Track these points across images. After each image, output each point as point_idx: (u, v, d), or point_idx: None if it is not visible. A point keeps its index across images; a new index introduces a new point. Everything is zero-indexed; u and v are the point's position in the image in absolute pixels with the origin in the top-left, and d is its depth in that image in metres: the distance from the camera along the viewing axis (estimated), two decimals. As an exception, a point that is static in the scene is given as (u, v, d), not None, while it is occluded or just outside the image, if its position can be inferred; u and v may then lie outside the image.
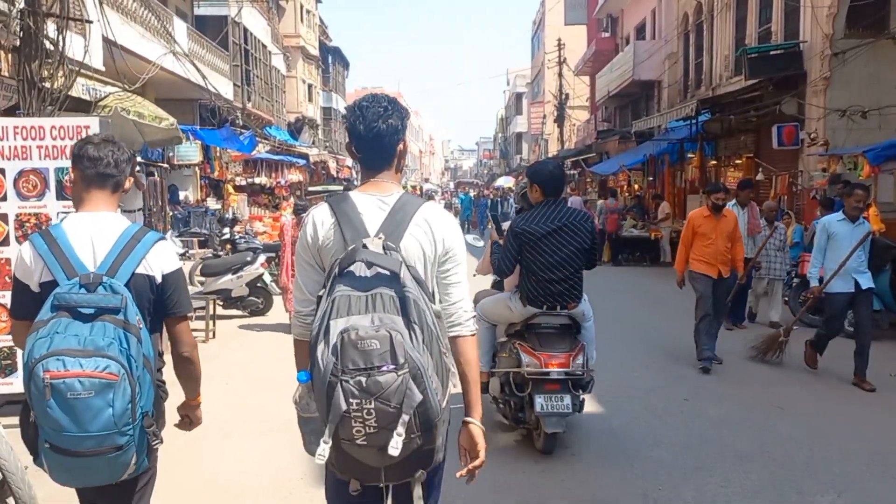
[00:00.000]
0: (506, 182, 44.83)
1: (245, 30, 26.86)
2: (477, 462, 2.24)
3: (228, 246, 11.92)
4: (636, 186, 19.87)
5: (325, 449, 1.93)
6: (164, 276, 2.40)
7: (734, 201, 8.77)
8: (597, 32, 31.33)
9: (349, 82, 60.47)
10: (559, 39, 33.01)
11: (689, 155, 17.16)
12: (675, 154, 18.55)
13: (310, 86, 41.29)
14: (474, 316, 2.32)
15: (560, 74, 33.30)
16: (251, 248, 11.99)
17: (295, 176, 26.59)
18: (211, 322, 8.49)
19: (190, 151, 14.55)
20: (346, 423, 1.89)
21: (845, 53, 13.08)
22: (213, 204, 22.40)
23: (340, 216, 2.19)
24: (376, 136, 2.22)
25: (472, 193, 25.98)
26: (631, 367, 7.06)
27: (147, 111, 9.67)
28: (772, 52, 14.40)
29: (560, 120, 33.07)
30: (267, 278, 9.93)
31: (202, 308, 8.29)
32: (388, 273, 1.99)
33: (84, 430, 2.09)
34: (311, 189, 21.61)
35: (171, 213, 15.00)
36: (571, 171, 31.81)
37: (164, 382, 2.51)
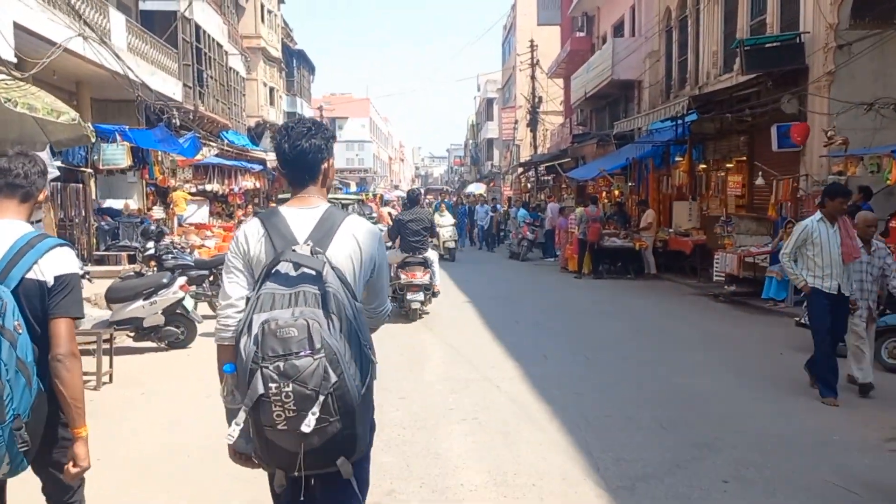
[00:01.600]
0: (477, 189, 43.56)
1: (197, 27, 24.99)
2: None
3: (152, 263, 10.19)
4: (617, 192, 18.48)
5: (234, 430, 2.07)
6: (54, 278, 2.41)
7: (818, 216, 6.26)
8: (571, 32, 30.01)
9: (315, 88, 58.76)
10: (532, 41, 31.69)
11: (677, 158, 15.78)
12: (660, 158, 17.18)
13: (272, 89, 39.41)
14: (389, 314, 2.65)
15: (533, 77, 31.96)
16: (180, 264, 10.26)
17: (250, 182, 24.73)
18: (107, 361, 6.73)
19: (117, 154, 12.76)
20: (266, 408, 2.02)
21: (851, 46, 11.76)
22: (158, 213, 20.56)
23: (270, 228, 2.33)
24: (300, 153, 2.38)
25: (451, 200, 24.80)
26: (637, 427, 5.44)
27: (41, 104, 7.90)
28: (767, 45, 13.02)
29: (533, 124, 31.71)
30: (189, 304, 8.20)
31: (92, 342, 6.52)
32: (312, 272, 2.14)
33: None
34: (281, 196, 20.58)
35: (95, 225, 13.17)
36: (545, 177, 30.41)
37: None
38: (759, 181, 12.61)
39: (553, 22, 31.70)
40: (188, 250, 12.91)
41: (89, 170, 12.99)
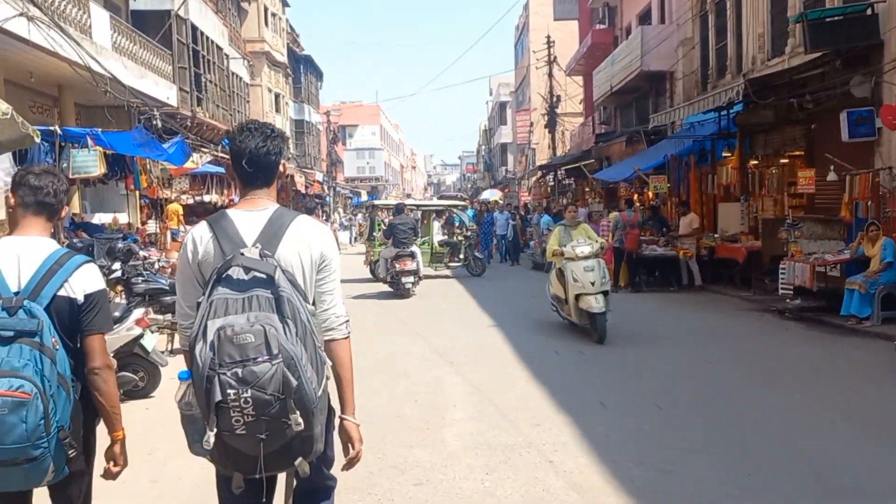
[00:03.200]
0: (492, 195, 41.92)
1: (193, 27, 23.49)
2: (353, 454, 2.45)
3: (119, 288, 8.56)
4: (651, 194, 16.67)
5: (210, 436, 2.06)
6: (85, 296, 2.48)
7: None
8: (590, 26, 28.29)
9: (324, 95, 57.32)
10: (548, 36, 29.99)
11: (725, 154, 13.99)
12: (702, 154, 15.39)
13: (277, 95, 37.94)
14: (347, 321, 2.50)
15: (550, 75, 30.22)
16: (152, 289, 8.63)
17: (251, 192, 23.12)
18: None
19: (88, 161, 11.12)
20: (224, 413, 2.03)
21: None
22: (152, 228, 18.99)
23: (218, 231, 2.33)
24: (266, 154, 2.40)
25: (474, 208, 23.15)
26: None
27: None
28: (828, 19, 11.24)
29: (551, 125, 29.95)
30: (149, 342, 6.53)
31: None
32: (264, 276, 2.15)
33: None
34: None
35: (66, 242, 11.55)
36: (567, 181, 28.66)
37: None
38: (831, 176, 10.79)
39: (571, 16, 30.00)
40: (169, 270, 11.29)
41: (56, 169, 11.37)
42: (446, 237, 18.56)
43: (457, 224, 19.12)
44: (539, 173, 29.75)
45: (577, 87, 31.16)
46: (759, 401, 6.01)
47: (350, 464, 2.46)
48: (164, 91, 20.05)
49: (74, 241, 11.74)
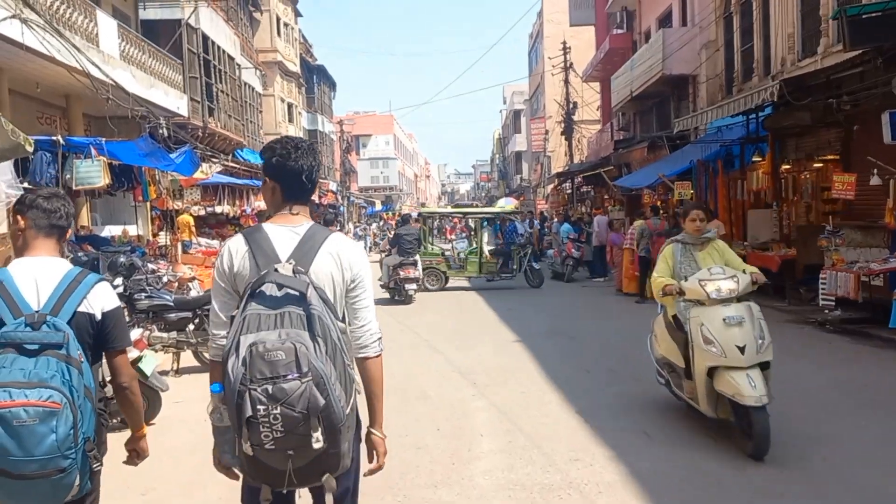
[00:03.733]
0: (507, 203, 41.42)
1: (204, 37, 23.17)
2: (375, 465, 2.53)
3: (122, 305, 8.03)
4: (673, 201, 16.04)
5: (246, 447, 2.11)
6: (103, 314, 2.57)
7: None
8: (607, 32, 27.76)
9: (337, 105, 57.09)
10: (564, 42, 29.47)
11: (755, 158, 13.37)
12: (728, 159, 14.76)
13: (290, 105, 37.66)
14: (380, 338, 2.51)
15: (566, 81, 29.68)
16: (156, 305, 8.16)
17: (262, 202, 22.71)
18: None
19: (92, 172, 10.68)
20: (254, 428, 2.07)
21: None
22: (164, 239, 18.59)
23: (253, 245, 2.37)
24: (311, 171, 2.46)
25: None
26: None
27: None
28: (865, 16, 10.63)
29: (568, 132, 29.37)
30: (148, 364, 6.01)
31: None
32: (296, 293, 2.18)
33: (29, 455, 2.26)
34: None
35: (69, 256, 11.13)
36: (585, 188, 28.07)
37: (105, 410, 2.67)
38: (874, 181, 10.16)
39: (587, 22, 29.47)
40: (176, 285, 10.83)
41: (61, 192, 10.95)
42: (497, 246, 17.44)
43: (517, 232, 17.81)
44: (556, 181, 29.13)
45: (594, 93, 30.62)
46: (824, 426, 5.41)
47: (372, 472, 2.54)
48: (175, 101, 19.70)
49: (79, 255, 11.32)
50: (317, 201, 34.86)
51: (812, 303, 11.55)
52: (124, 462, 2.75)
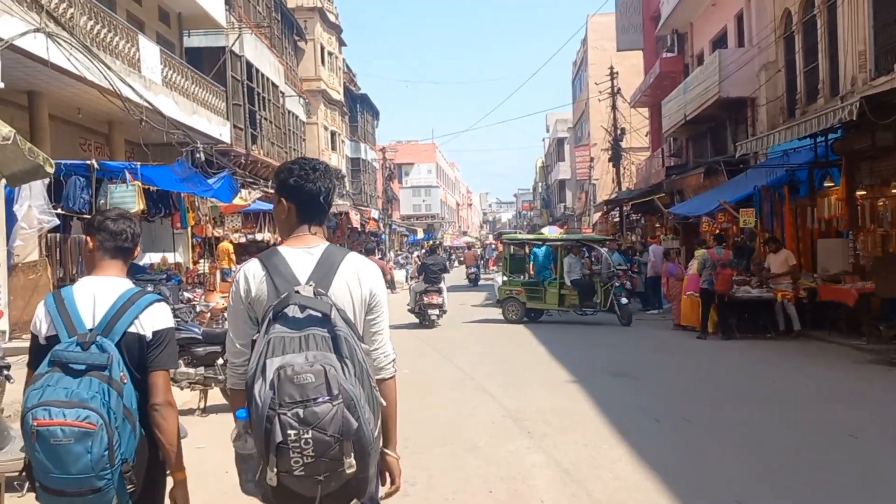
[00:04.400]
0: (551, 232, 40.60)
1: (248, 64, 23.09)
2: (392, 488, 2.46)
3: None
4: (734, 229, 15.07)
5: (272, 476, 2.03)
6: (153, 333, 2.57)
7: None
8: (656, 56, 27.00)
9: (380, 133, 57.18)
10: (611, 67, 28.77)
11: (828, 184, 12.41)
12: (792, 184, 13.79)
13: (333, 133, 37.61)
14: (394, 359, 2.49)
15: (613, 107, 28.91)
16: (183, 338, 7.59)
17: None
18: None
19: (126, 197, 10.30)
20: (284, 454, 2.00)
21: None
22: (203, 267, 18.24)
23: (271, 269, 2.32)
24: (317, 193, 2.40)
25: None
26: None
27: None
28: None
29: (615, 159, 28.52)
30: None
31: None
32: (319, 315, 2.13)
33: (66, 472, 2.30)
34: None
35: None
36: (634, 216, 27.13)
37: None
38: (971, 207, 9.17)
39: (635, 46, 28.74)
40: (208, 316, 10.32)
41: (91, 216, 10.58)
42: (583, 277, 15.67)
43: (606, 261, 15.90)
44: (604, 209, 28.24)
45: (642, 119, 29.78)
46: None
47: (389, 495, 2.47)
48: (218, 128, 19.52)
49: (60, 289, 10.91)
50: (358, 229, 34.50)
51: (895, 341, 10.56)
52: None
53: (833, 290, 11.91)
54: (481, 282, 29.96)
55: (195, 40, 21.70)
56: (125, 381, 2.43)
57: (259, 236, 19.86)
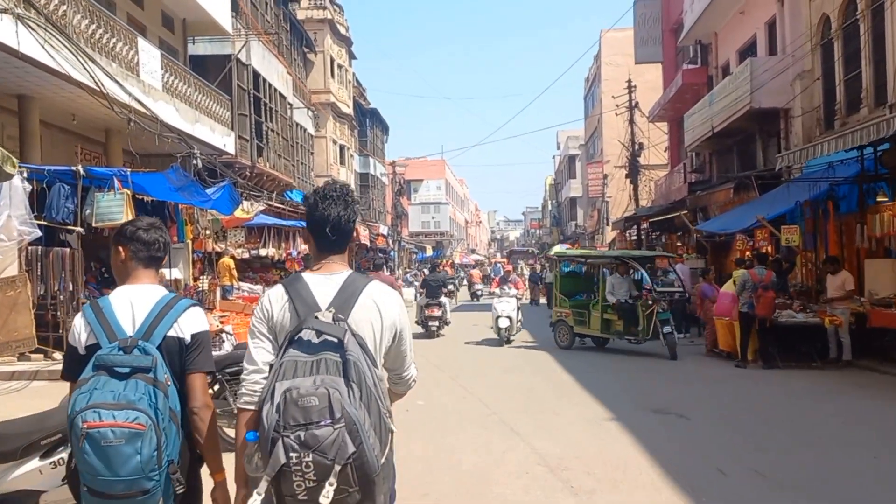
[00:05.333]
0: (562, 249, 39.73)
1: (255, 74, 22.30)
2: None
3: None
4: (768, 249, 14.02)
5: (256, 500, 2.03)
6: (191, 336, 2.62)
7: None
8: (675, 69, 26.11)
9: (389, 149, 56.43)
10: (629, 81, 27.87)
11: (880, 199, 11.39)
12: (833, 198, 12.75)
13: (342, 147, 36.80)
14: (415, 380, 2.62)
15: (631, 121, 27.98)
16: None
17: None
18: None
19: (113, 207, 9.38)
20: (287, 477, 2.01)
21: None
22: (204, 284, 17.30)
23: (293, 294, 2.35)
24: (346, 223, 2.43)
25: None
26: None
27: None
28: None
29: (633, 174, 27.53)
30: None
31: None
32: (334, 340, 2.15)
33: (115, 475, 2.30)
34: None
35: (84, 302, 9.74)
36: (655, 234, 26.12)
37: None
38: None
39: (654, 59, 27.86)
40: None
41: (79, 228, 9.62)
42: (627, 300, 13.48)
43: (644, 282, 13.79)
44: (622, 225, 27.23)
45: (660, 134, 28.84)
46: None
47: None
48: (221, 138, 18.65)
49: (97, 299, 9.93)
50: (367, 245, 33.56)
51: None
52: None
53: (882, 315, 10.86)
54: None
55: (200, 48, 20.93)
56: (169, 383, 2.47)
57: (263, 252, 18.91)
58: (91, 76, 9.66)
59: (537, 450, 6.34)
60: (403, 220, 57.42)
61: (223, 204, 11.73)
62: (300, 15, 32.34)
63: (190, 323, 2.63)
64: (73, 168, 9.60)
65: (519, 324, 15.76)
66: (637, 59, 28.20)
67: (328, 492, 1.97)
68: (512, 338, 15.13)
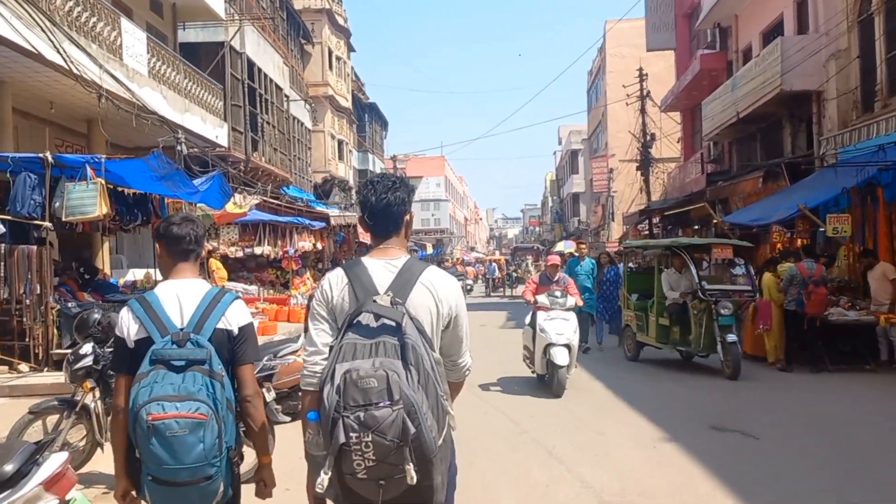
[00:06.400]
0: (566, 247, 38.65)
1: (250, 63, 21.14)
2: None
3: (87, 385, 5.48)
4: (799, 242, 12.88)
5: (324, 479, 2.12)
6: (239, 329, 2.72)
7: None
8: (689, 56, 25.01)
9: (388, 145, 55.26)
10: (640, 69, 26.74)
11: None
12: (870, 188, 11.63)
13: (340, 142, 35.62)
14: (469, 366, 2.59)
15: (643, 110, 26.85)
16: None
17: (308, 243, 20.20)
18: None
19: (86, 198, 8.22)
20: (347, 456, 2.07)
21: None
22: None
23: (352, 278, 2.42)
24: (386, 206, 2.48)
25: (592, 256, 15.26)
26: None
27: None
28: None
29: (644, 166, 26.40)
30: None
31: None
32: (392, 324, 2.19)
33: (181, 463, 2.42)
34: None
35: (54, 307, 8.60)
36: (668, 227, 25.02)
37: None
38: None
39: (666, 46, 26.71)
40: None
41: (47, 223, 8.46)
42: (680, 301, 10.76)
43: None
44: (637, 219, 26.10)
45: (673, 124, 27.74)
46: None
47: None
48: (213, 129, 17.50)
49: (69, 304, 8.82)
50: (367, 243, 32.40)
51: None
52: (256, 495, 2.77)
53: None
54: (492, 299, 27.93)
55: (191, 34, 19.78)
56: (224, 373, 2.56)
57: (258, 250, 17.75)
58: (56, 48, 8.52)
59: (588, 482, 5.22)
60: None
61: (213, 196, 10.59)
62: (297, 4, 31.18)
63: (236, 315, 2.73)
64: (41, 155, 8.46)
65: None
66: (649, 47, 27.05)
67: (412, 470, 2.03)
68: (566, 379, 8.84)
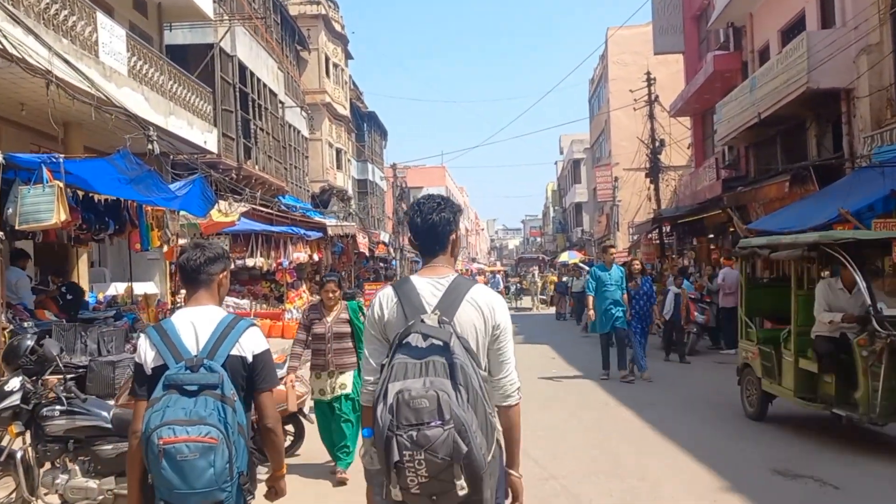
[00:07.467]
0: (571, 257, 37.73)
1: (241, 66, 20.15)
2: None
3: (12, 429, 4.43)
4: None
5: (395, 492, 2.16)
6: (254, 356, 2.75)
7: None
8: (699, 58, 24.07)
9: (388, 154, 54.35)
10: (648, 73, 25.80)
11: None
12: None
13: (338, 151, 34.62)
14: (519, 387, 2.55)
15: (651, 115, 25.85)
16: (77, 427, 4.51)
17: (304, 254, 19.12)
18: None
19: (41, 203, 7.15)
20: (401, 472, 2.12)
21: None
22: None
23: (402, 296, 2.48)
24: (431, 226, 2.57)
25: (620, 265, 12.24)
26: None
27: None
28: None
29: (654, 172, 25.39)
30: None
31: None
32: (440, 343, 2.25)
33: (191, 487, 2.43)
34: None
35: (6, 327, 7.49)
36: (681, 237, 23.97)
37: (256, 449, 2.84)
38: None
39: (675, 49, 25.77)
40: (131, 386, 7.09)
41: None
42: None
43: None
44: (650, 226, 25.06)
45: (683, 130, 26.75)
46: None
47: None
48: (201, 134, 16.44)
49: (24, 324, 7.74)
50: (367, 254, 31.31)
51: None
52: (265, 496, 2.85)
53: None
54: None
55: (178, 35, 18.78)
56: (236, 398, 2.57)
57: (251, 262, 16.69)
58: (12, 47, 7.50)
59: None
60: (405, 227, 55.39)
61: (193, 203, 9.51)
62: (293, 10, 30.26)
63: (251, 343, 2.75)
64: (-10, 154, 7.38)
65: None
66: (656, 50, 26.11)
67: (463, 484, 2.09)
68: None
